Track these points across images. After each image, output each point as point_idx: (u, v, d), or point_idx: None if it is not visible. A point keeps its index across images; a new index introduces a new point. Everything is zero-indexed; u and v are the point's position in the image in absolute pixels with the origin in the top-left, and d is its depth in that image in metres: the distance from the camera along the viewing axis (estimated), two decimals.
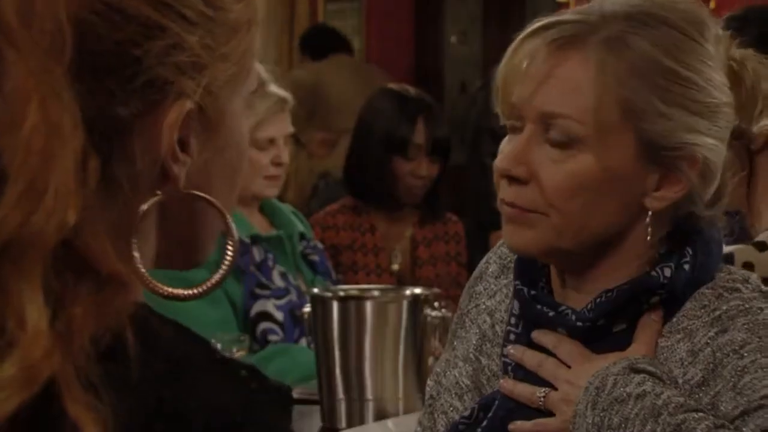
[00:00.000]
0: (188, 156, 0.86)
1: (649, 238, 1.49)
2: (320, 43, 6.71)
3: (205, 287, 0.90)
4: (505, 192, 1.49)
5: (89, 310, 0.76)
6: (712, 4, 6.13)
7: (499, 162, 1.49)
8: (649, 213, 1.49)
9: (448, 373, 1.65)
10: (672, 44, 1.46)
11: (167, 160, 0.84)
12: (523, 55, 1.46)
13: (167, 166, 0.84)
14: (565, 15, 1.48)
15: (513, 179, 1.48)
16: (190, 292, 0.89)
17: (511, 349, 1.56)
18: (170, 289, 0.87)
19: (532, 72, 1.46)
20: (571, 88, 1.44)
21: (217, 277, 0.90)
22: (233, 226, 0.90)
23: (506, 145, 1.51)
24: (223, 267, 0.90)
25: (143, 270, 0.85)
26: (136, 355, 0.78)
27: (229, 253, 0.90)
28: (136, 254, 0.84)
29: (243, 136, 0.93)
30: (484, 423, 1.55)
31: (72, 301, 0.76)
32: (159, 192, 0.85)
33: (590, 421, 1.45)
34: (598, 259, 1.51)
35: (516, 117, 1.49)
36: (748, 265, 1.85)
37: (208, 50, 0.85)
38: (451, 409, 1.62)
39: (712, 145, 1.48)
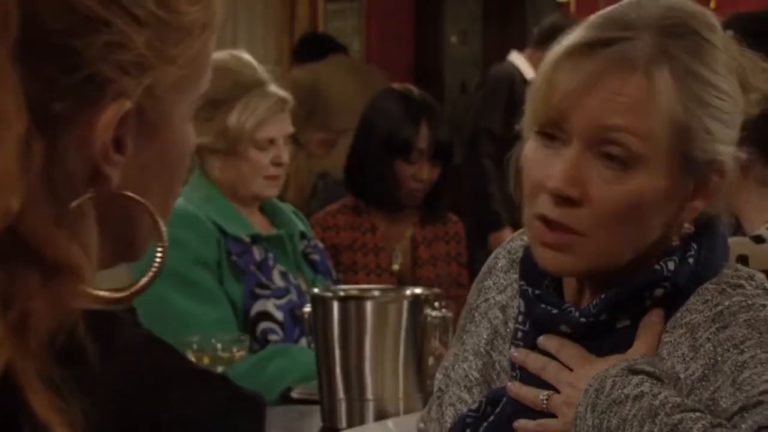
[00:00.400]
0: (122, 156, 0.83)
1: (674, 244, 1.51)
2: (316, 47, 6.71)
3: (129, 291, 0.86)
4: (549, 210, 1.47)
5: (43, 304, 0.74)
6: (712, 4, 6.14)
7: (550, 181, 1.46)
8: (685, 224, 1.51)
9: (457, 366, 1.66)
10: (705, 54, 1.47)
11: (99, 159, 0.82)
12: (574, 72, 1.44)
13: (99, 165, 0.82)
14: (598, 29, 1.47)
15: (562, 199, 1.46)
16: (115, 296, 0.85)
17: (515, 353, 1.57)
18: (96, 292, 0.83)
19: (589, 90, 1.44)
20: (632, 106, 1.44)
21: (144, 281, 0.87)
22: (164, 230, 0.88)
23: (540, 155, 1.49)
24: (151, 271, 0.87)
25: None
26: (95, 359, 0.75)
27: (158, 257, 0.87)
28: (80, 254, 0.80)
29: (185, 141, 0.90)
30: (492, 418, 1.56)
31: (24, 293, 0.74)
32: (91, 190, 0.83)
33: (590, 423, 1.45)
34: (622, 264, 1.51)
35: (560, 129, 1.47)
36: (743, 258, 1.85)
37: (154, 51, 0.83)
38: (460, 401, 1.63)
39: (734, 153, 1.50)
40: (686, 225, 1.51)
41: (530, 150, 1.51)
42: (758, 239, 1.96)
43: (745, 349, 1.44)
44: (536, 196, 1.49)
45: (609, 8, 1.51)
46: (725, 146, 1.48)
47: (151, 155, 0.86)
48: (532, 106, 1.49)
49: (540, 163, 1.48)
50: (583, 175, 1.46)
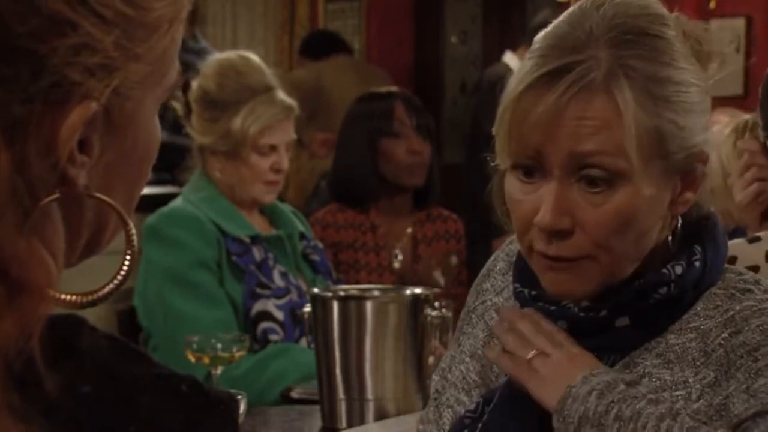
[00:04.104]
0: (88, 157, 0.81)
1: (670, 238, 1.52)
2: (320, 46, 6.70)
3: (95, 296, 0.83)
4: (545, 247, 1.48)
5: (8, 323, 0.72)
6: (712, 4, 6.13)
7: (539, 219, 1.46)
8: (679, 219, 1.52)
9: (454, 368, 1.67)
10: (660, 53, 1.46)
11: (64, 162, 0.80)
12: (538, 106, 1.44)
13: (64, 168, 0.80)
14: (552, 56, 1.45)
15: (555, 232, 1.46)
16: (80, 300, 0.82)
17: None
18: (62, 296, 0.81)
19: (556, 121, 1.43)
20: (602, 126, 1.43)
21: (110, 286, 0.84)
22: (133, 233, 0.85)
23: (522, 191, 1.49)
24: (119, 276, 0.84)
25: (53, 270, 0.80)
26: (51, 382, 0.73)
27: (126, 263, 0.84)
28: (45, 256, 0.79)
29: (151, 136, 0.88)
30: (485, 417, 1.56)
31: None
32: (57, 192, 0.80)
33: (592, 408, 1.44)
34: (629, 273, 1.51)
35: (537, 163, 1.47)
36: (732, 259, 1.85)
37: (122, 51, 0.80)
38: (458, 403, 1.64)
39: (709, 136, 1.51)
40: (679, 220, 1.52)
41: (511, 186, 1.51)
42: (754, 239, 1.96)
43: (760, 357, 1.44)
44: (527, 232, 1.49)
45: (553, 26, 1.50)
46: (701, 134, 1.49)
47: (117, 153, 0.84)
48: (504, 143, 1.48)
49: (524, 200, 1.49)
50: (570, 204, 1.46)
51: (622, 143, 1.43)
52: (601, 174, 1.44)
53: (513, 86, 1.47)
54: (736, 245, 1.92)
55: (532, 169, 1.48)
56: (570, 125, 1.43)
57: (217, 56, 3.33)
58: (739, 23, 6.12)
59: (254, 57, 3.20)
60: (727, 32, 6.02)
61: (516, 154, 1.48)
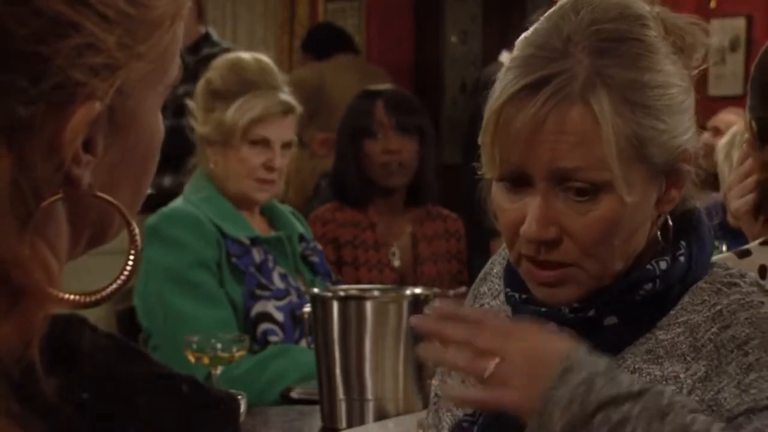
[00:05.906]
0: (92, 156, 0.81)
1: (660, 236, 1.52)
2: (324, 42, 6.69)
3: (99, 296, 0.83)
4: (534, 253, 1.48)
5: (9, 330, 0.72)
6: (712, 4, 6.14)
7: (525, 230, 1.46)
8: (668, 217, 1.52)
9: (453, 372, 1.66)
10: (640, 57, 1.46)
11: (69, 163, 0.79)
12: (518, 119, 1.44)
13: (69, 168, 0.80)
14: (533, 65, 1.45)
15: (542, 242, 1.47)
16: (84, 300, 0.82)
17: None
18: (65, 296, 0.80)
19: (536, 136, 1.43)
20: (581, 141, 1.43)
21: (114, 286, 0.83)
22: (136, 233, 0.85)
23: (508, 201, 1.49)
24: (123, 276, 0.84)
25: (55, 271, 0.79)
26: (50, 386, 0.73)
27: (130, 262, 0.84)
28: (48, 256, 0.78)
29: (154, 133, 0.87)
30: (481, 420, 1.56)
31: None
32: (61, 192, 0.80)
33: (576, 415, 1.37)
34: (619, 274, 1.51)
35: (520, 175, 1.47)
36: None
37: (125, 50, 0.80)
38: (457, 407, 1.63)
39: (694, 133, 1.51)
40: (668, 218, 1.52)
41: (497, 196, 1.51)
42: (744, 253, 1.96)
43: (750, 351, 1.44)
44: (515, 240, 1.49)
45: (533, 31, 1.49)
46: (684, 134, 1.49)
47: (121, 151, 0.84)
48: (488, 155, 1.49)
49: (510, 210, 1.49)
50: (555, 214, 1.46)
51: (602, 155, 1.43)
52: (584, 186, 1.45)
53: (495, 97, 1.47)
54: (726, 260, 1.92)
55: (516, 180, 1.48)
56: (549, 140, 1.43)
57: (232, 53, 3.34)
58: (739, 23, 6.12)
59: (267, 59, 3.20)
60: (727, 32, 6.02)
61: (500, 167, 1.48)
